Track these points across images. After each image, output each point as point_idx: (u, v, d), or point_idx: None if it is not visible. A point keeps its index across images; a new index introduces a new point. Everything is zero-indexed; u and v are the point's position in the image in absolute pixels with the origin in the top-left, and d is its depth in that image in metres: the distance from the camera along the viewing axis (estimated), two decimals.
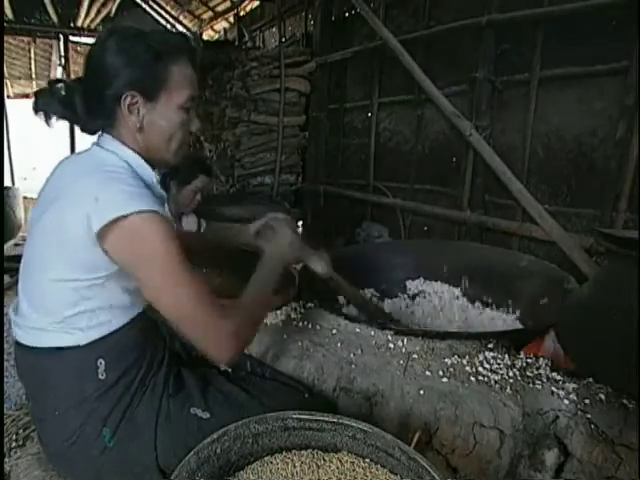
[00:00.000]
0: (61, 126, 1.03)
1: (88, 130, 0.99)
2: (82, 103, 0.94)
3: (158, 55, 0.92)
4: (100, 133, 0.98)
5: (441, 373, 1.16)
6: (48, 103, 0.94)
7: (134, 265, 0.89)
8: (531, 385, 1.11)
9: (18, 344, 0.99)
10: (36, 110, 0.95)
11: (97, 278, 0.90)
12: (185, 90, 0.96)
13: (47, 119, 0.95)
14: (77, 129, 1.00)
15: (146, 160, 0.98)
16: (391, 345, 1.31)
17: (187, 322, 0.91)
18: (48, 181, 1.00)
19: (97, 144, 0.97)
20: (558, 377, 1.14)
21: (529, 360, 1.23)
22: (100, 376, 0.95)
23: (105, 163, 0.93)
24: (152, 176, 0.98)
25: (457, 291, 1.90)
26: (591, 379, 1.12)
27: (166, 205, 1.08)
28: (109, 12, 6.14)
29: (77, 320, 0.92)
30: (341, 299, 1.74)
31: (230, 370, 1.19)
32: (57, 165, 1.01)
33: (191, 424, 0.96)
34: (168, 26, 6.76)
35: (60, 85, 0.95)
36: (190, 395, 1.01)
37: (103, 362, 0.94)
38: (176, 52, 0.94)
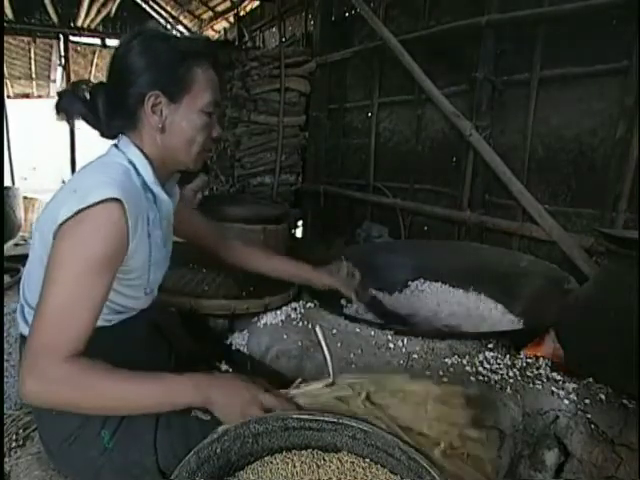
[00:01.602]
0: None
1: (108, 134, 0.98)
2: (104, 104, 0.94)
3: (183, 57, 0.93)
4: (120, 135, 0.98)
5: (441, 373, 1.16)
6: (71, 103, 0.95)
7: (50, 256, 0.83)
8: (531, 385, 1.11)
9: (22, 336, 1.00)
10: (58, 110, 0.95)
11: None
12: (208, 94, 0.96)
13: (69, 119, 0.95)
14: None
15: (158, 163, 0.98)
16: (391, 345, 1.31)
17: (32, 333, 0.81)
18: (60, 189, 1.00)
19: (112, 145, 0.98)
20: (558, 377, 1.14)
21: (529, 360, 1.23)
22: None
23: (109, 160, 0.94)
24: (151, 177, 0.97)
25: (457, 291, 1.91)
26: (591, 379, 1.12)
27: (170, 210, 1.07)
28: (109, 12, 6.14)
29: None
30: (343, 301, 1.73)
31: (231, 370, 1.19)
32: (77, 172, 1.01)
33: (191, 426, 0.96)
34: (168, 26, 6.77)
35: (84, 86, 0.96)
36: None
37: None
38: (200, 56, 0.95)
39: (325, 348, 1.00)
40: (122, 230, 0.85)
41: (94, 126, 0.97)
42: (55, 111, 0.96)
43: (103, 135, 0.99)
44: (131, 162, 0.94)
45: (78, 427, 0.94)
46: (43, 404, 0.85)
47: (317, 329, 1.01)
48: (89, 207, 0.81)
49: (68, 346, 0.80)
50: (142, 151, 0.96)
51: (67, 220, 0.82)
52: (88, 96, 0.95)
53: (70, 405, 0.84)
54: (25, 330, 0.99)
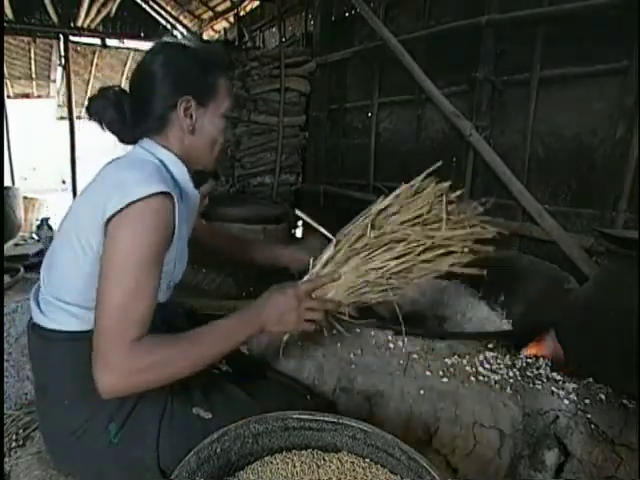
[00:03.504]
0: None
1: (129, 138, 1.04)
2: (131, 109, 1.00)
3: (209, 66, 1.02)
4: (142, 138, 1.03)
5: (441, 373, 1.17)
6: (104, 106, 1.00)
7: (105, 248, 0.87)
8: (531, 385, 1.11)
9: (35, 327, 1.00)
10: (90, 114, 1.01)
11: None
12: (228, 99, 1.05)
13: (100, 122, 1.01)
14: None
15: (183, 161, 1.03)
16: (391, 345, 1.31)
17: (100, 326, 0.84)
18: (89, 185, 1.03)
19: (137, 146, 1.03)
20: (558, 377, 1.14)
21: (529, 360, 1.23)
22: None
23: (140, 158, 0.99)
24: (185, 174, 1.03)
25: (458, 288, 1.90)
26: (591, 379, 1.12)
27: (196, 206, 1.12)
28: (109, 12, 6.13)
29: (89, 303, 0.94)
30: None
31: (231, 370, 1.19)
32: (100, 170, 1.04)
33: (193, 424, 0.96)
34: (168, 26, 6.77)
35: (111, 91, 1.01)
36: (192, 395, 1.01)
37: None
38: (222, 65, 1.07)
39: (311, 221, 1.23)
40: (170, 221, 0.90)
41: (116, 130, 1.02)
42: (87, 115, 1.01)
43: (123, 140, 1.04)
44: (161, 161, 0.99)
45: (86, 420, 0.95)
46: (125, 394, 0.88)
47: (298, 212, 1.30)
48: (140, 200, 0.85)
49: (133, 333, 0.84)
50: (171, 151, 1.02)
51: (117, 213, 0.85)
52: (115, 99, 1.00)
53: (149, 386, 0.88)
54: (39, 319, 0.99)
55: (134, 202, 0.85)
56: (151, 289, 0.88)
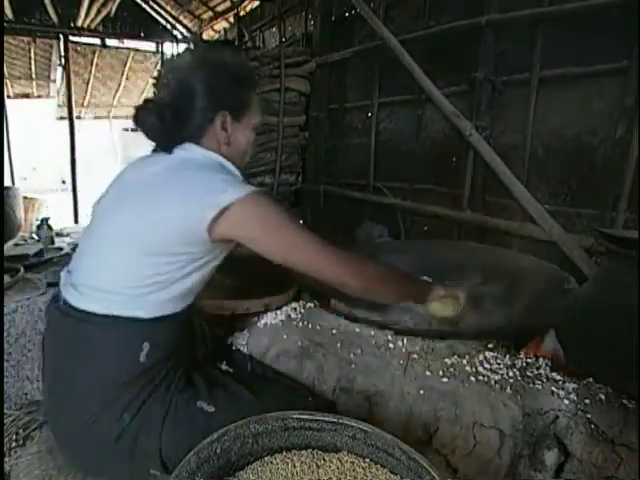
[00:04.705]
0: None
1: (166, 145, 1.09)
2: (172, 118, 1.05)
3: (244, 84, 1.13)
4: (182, 144, 1.09)
5: (441, 373, 1.16)
6: (148, 116, 1.06)
7: (258, 238, 1.01)
8: (531, 385, 1.11)
9: (63, 306, 1.01)
10: (136, 122, 1.07)
11: (189, 253, 0.99)
12: (258, 114, 1.17)
13: (145, 130, 1.07)
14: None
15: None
16: (391, 345, 1.31)
17: (321, 267, 1.04)
18: (114, 184, 1.11)
19: (181, 150, 1.08)
20: (558, 377, 1.14)
21: (529, 360, 1.23)
22: (141, 359, 0.97)
23: (202, 162, 1.06)
24: (240, 175, 1.11)
25: None
26: (591, 379, 1.12)
27: None
28: (109, 12, 6.13)
29: (141, 292, 0.97)
30: None
31: (232, 370, 1.20)
32: (123, 170, 1.13)
33: (196, 418, 0.99)
34: (168, 26, 6.76)
35: (154, 103, 1.08)
36: (197, 391, 1.04)
37: (148, 345, 0.97)
38: (255, 82, 1.20)
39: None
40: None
41: (156, 137, 1.09)
42: (134, 124, 1.07)
43: (161, 145, 1.10)
44: (218, 162, 1.07)
45: (102, 407, 0.96)
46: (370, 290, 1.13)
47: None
48: (247, 195, 0.96)
49: (336, 250, 1.04)
50: (222, 155, 1.10)
51: (221, 213, 0.94)
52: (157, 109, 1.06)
53: (380, 286, 1.14)
54: (73, 299, 1.00)
55: (247, 195, 0.96)
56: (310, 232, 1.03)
